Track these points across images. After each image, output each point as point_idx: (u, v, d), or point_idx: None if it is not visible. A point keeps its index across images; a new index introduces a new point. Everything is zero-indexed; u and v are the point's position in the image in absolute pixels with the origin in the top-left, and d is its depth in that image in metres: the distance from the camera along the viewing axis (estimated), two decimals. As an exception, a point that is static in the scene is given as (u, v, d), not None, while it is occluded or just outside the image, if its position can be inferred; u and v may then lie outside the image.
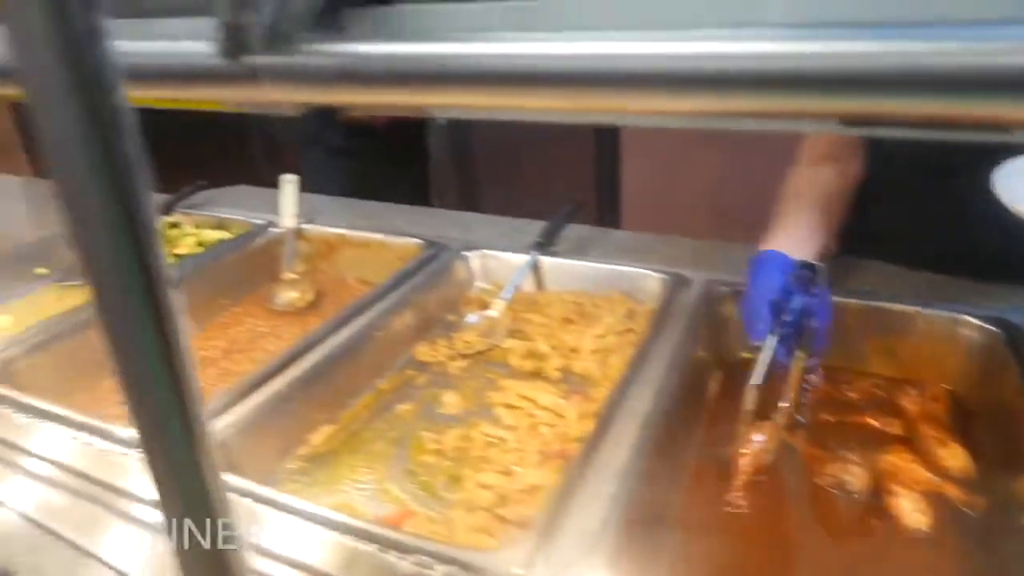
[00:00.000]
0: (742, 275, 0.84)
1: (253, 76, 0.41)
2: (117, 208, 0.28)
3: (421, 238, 1.15)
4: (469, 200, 2.32)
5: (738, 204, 1.78)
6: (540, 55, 0.33)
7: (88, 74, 0.26)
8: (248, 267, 1.20)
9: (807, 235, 0.86)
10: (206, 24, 0.41)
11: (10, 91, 0.48)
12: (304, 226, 1.22)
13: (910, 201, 0.98)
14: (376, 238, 1.18)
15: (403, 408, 0.83)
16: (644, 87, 0.30)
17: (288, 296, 1.11)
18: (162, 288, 0.30)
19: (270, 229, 1.23)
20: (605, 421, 0.69)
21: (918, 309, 0.85)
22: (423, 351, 0.93)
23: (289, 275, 1.14)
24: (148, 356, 0.31)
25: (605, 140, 2.13)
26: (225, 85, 0.42)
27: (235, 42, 0.41)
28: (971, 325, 0.81)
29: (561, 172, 2.14)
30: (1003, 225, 0.74)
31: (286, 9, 0.40)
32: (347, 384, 0.86)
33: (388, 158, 1.70)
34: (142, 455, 0.31)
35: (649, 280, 0.97)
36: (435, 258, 1.08)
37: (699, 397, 0.83)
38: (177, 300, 0.31)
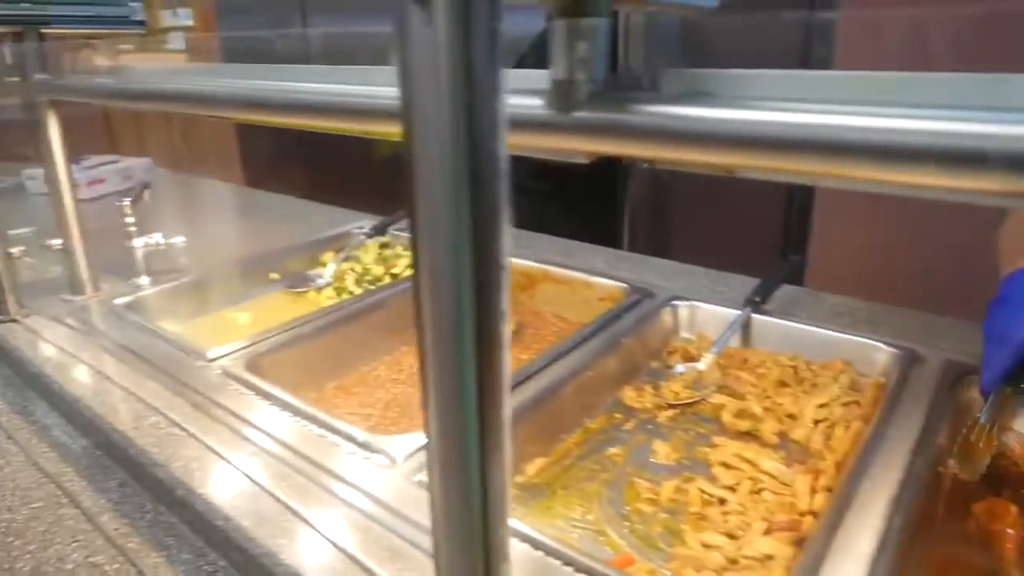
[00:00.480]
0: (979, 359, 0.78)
1: (580, 130, 0.45)
2: (477, 250, 0.31)
3: (623, 281, 1.16)
4: (661, 247, 2.33)
5: (948, 275, 1.65)
6: (840, 126, 0.34)
7: (481, 126, 0.30)
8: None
9: None
10: (537, 77, 0.46)
11: (380, 127, 0.55)
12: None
13: None
14: (578, 277, 1.21)
15: (613, 451, 0.84)
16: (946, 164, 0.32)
17: (493, 324, 1.17)
18: (501, 333, 0.34)
19: (476, 258, 1.30)
20: (842, 501, 0.66)
21: None
22: (630, 396, 0.94)
23: (494, 304, 1.19)
24: (469, 393, 0.34)
25: (796, 193, 2.06)
26: (554, 135, 0.46)
27: (566, 97, 0.45)
28: None
29: (749, 225, 2.08)
30: None
31: (609, 69, 0.44)
32: (559, 419, 0.88)
33: (582, 199, 1.75)
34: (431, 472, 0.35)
35: (876, 352, 0.92)
36: (639, 303, 1.09)
37: (938, 488, 0.77)
38: (506, 353, 0.35)
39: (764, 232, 2.14)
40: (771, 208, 2.14)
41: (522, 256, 1.31)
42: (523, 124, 0.46)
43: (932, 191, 0.33)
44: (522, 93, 0.45)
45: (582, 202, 2.02)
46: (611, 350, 0.98)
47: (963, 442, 0.76)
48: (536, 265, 1.28)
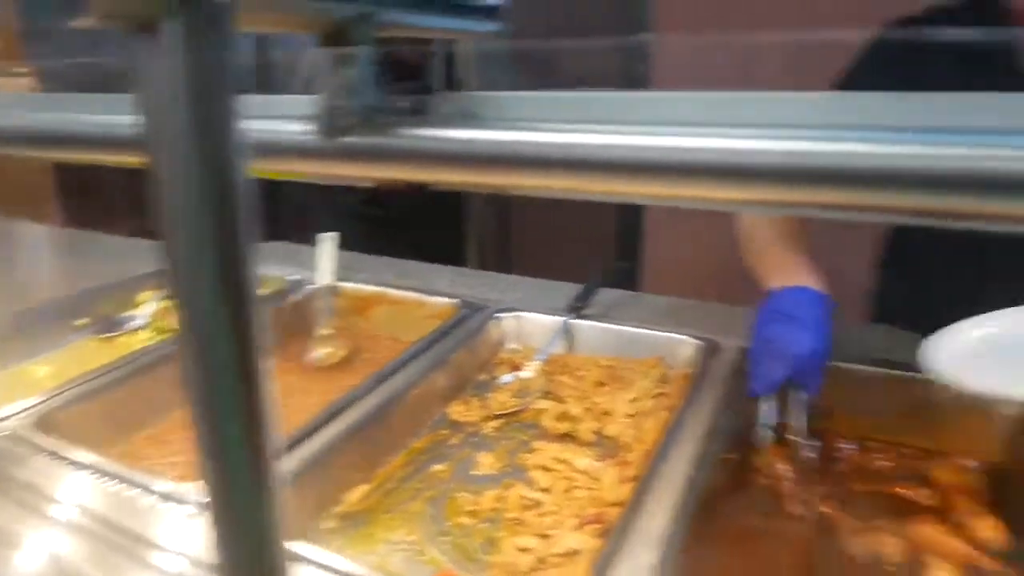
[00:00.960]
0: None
1: (347, 155, 0.45)
2: (223, 272, 0.31)
3: (457, 298, 1.18)
4: (506, 261, 2.38)
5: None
6: (595, 145, 0.36)
7: (218, 150, 0.29)
8: (282, 323, 1.23)
9: (814, 269, 0.90)
10: (303, 103, 0.45)
11: (123, 158, 0.52)
12: (339, 283, 1.26)
13: (919, 268, 1.01)
14: (411, 297, 1.21)
15: (437, 468, 0.85)
16: (697, 177, 0.33)
17: (322, 352, 1.14)
18: (254, 357, 0.33)
19: (305, 285, 1.27)
20: (644, 487, 0.70)
21: (949, 380, 0.86)
22: (457, 410, 0.95)
23: (323, 331, 1.17)
24: (232, 417, 0.33)
25: (628, 205, 2.19)
26: (321, 161, 0.46)
27: (331, 123, 0.45)
28: (1003, 397, 0.82)
29: (586, 234, 2.18)
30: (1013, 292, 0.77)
31: (378, 95, 0.44)
32: (382, 443, 0.87)
33: (432, 220, 1.76)
34: (207, 514, 0.33)
35: (683, 346, 0.99)
36: (469, 318, 1.11)
37: (734, 465, 0.84)
38: (265, 371, 0.34)
39: (602, 241, 2.26)
40: (606, 218, 2.26)
41: (359, 280, 1.29)
42: (291, 150, 0.45)
43: (680, 201, 0.35)
44: (292, 119, 0.44)
45: (432, 224, 2.03)
46: (438, 367, 0.99)
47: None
48: (371, 288, 1.26)
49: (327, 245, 1.27)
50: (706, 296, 1.19)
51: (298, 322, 1.22)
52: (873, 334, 1.03)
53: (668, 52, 2.16)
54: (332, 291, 1.22)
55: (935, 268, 1.02)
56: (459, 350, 1.03)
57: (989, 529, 0.71)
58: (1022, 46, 0.87)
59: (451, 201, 1.97)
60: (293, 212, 1.87)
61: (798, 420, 0.84)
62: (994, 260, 0.89)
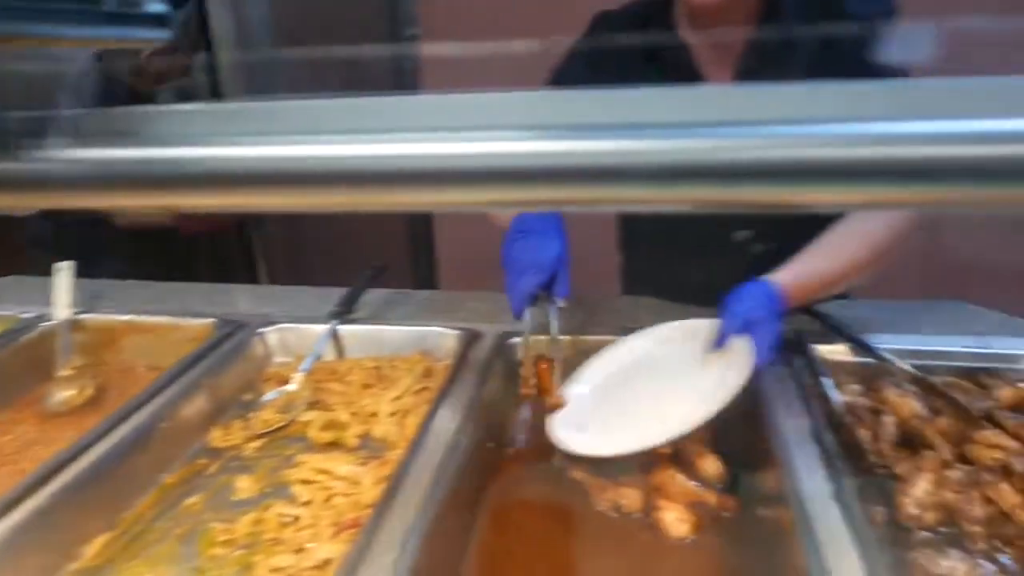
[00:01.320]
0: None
1: None
2: None
3: (216, 317, 1.11)
4: (292, 273, 2.28)
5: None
6: (246, 157, 0.34)
7: None
8: (16, 367, 1.09)
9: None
10: None
11: None
12: (82, 316, 1.13)
13: (666, 245, 1.12)
14: (164, 321, 1.12)
15: (191, 501, 0.79)
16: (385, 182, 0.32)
17: (63, 395, 1.02)
18: None
19: (41, 323, 1.13)
20: (396, 482, 0.70)
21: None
22: (217, 437, 0.90)
23: (64, 372, 1.05)
24: None
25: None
26: None
27: None
28: (718, 347, 0.93)
29: (374, 237, 2.16)
30: (732, 264, 0.88)
31: (17, 115, 0.39)
32: (127, 485, 0.80)
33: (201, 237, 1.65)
34: None
35: (445, 338, 1.01)
36: (230, 337, 1.05)
37: (497, 443, 0.87)
38: None
39: (390, 241, 2.25)
40: (397, 219, 2.25)
41: (104, 310, 1.17)
42: None
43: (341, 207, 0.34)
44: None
45: (208, 241, 1.90)
46: (192, 393, 0.92)
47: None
48: (119, 318, 1.15)
49: (63, 276, 1.14)
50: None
51: (35, 365, 1.09)
52: (621, 303, 1.12)
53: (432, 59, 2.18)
54: (71, 326, 1.10)
55: (656, 242, 1.14)
56: (219, 372, 0.98)
57: (710, 467, 0.80)
58: (692, 49, 0.97)
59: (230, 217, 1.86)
60: (34, 242, 1.66)
61: (554, 326, 0.92)
62: (700, 229, 1.01)
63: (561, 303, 0.92)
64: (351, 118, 0.31)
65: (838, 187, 0.27)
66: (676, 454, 0.85)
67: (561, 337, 0.93)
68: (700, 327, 0.90)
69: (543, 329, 0.93)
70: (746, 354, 0.81)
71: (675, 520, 0.73)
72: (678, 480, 0.79)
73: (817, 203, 0.30)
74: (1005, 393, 0.83)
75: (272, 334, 1.06)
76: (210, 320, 1.09)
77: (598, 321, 1.04)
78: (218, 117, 0.34)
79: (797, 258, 0.89)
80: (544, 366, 0.93)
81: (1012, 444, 0.75)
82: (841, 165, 0.26)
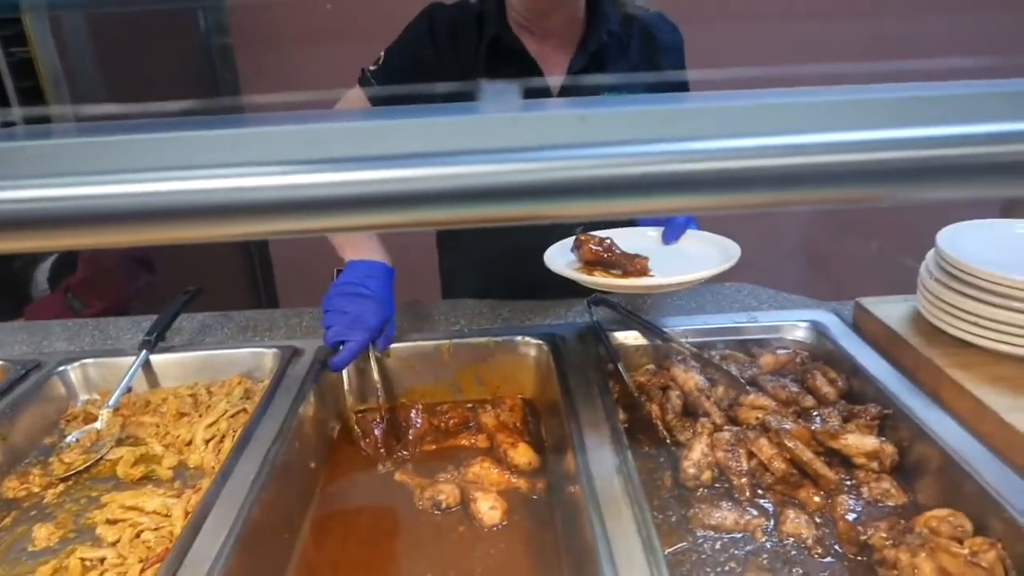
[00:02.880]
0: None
1: None
2: None
3: (7, 359, 1.03)
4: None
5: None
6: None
7: None
8: None
9: (381, 245, 1.03)
10: None
11: None
12: None
13: (480, 246, 1.18)
14: (-55, 369, 1.02)
15: (-19, 559, 0.74)
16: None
17: None
18: None
19: None
20: (204, 509, 0.70)
21: (493, 339, 1.01)
22: (11, 487, 0.84)
23: None
24: None
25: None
26: None
27: None
28: (529, 343, 1.00)
29: (207, 258, 2.06)
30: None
31: None
32: (-99, 551, 0.73)
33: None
34: None
35: (264, 357, 1.00)
36: (24, 379, 0.97)
37: (316, 458, 0.88)
38: None
39: (232, 266, 2.16)
40: (232, 242, 2.17)
41: None
42: None
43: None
44: None
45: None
46: (-19, 443, 0.86)
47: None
48: None
49: None
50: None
51: None
52: (441, 308, 1.17)
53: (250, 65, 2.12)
54: None
55: (466, 245, 1.21)
56: (12, 417, 0.91)
57: (522, 455, 0.86)
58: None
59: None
60: None
61: (375, 377, 0.96)
62: (504, 234, 1.08)
63: (381, 355, 0.97)
64: (158, 153, 0.31)
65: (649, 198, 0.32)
66: (490, 448, 0.90)
67: (380, 390, 0.96)
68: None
69: (365, 377, 0.97)
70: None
71: (488, 509, 0.78)
72: (492, 471, 0.84)
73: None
74: (766, 360, 0.96)
75: (73, 371, 1.00)
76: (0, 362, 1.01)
77: (417, 328, 1.08)
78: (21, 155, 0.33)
79: None
80: (372, 421, 0.94)
81: (770, 404, 0.87)
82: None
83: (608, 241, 0.94)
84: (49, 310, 1.51)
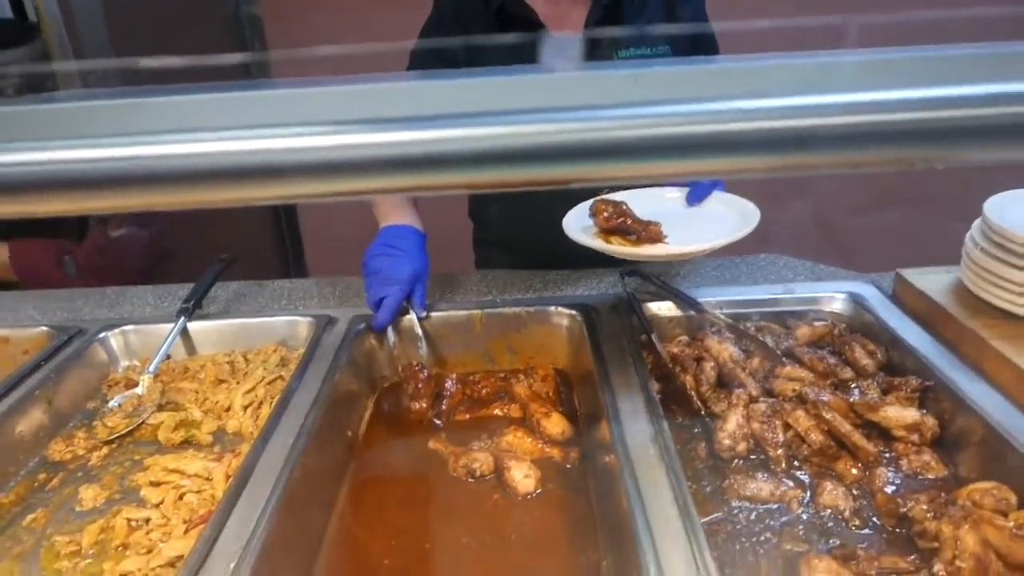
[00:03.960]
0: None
1: None
2: None
3: (51, 325, 1.05)
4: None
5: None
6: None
7: None
8: None
9: (413, 211, 1.06)
10: None
11: None
12: None
13: (512, 216, 1.17)
14: (-9, 335, 1.05)
15: (32, 518, 0.76)
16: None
17: None
18: None
19: None
20: (245, 473, 0.71)
21: (525, 309, 1.01)
22: (57, 449, 0.86)
23: None
24: None
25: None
26: None
27: None
28: (561, 314, 0.99)
29: (236, 226, 2.08)
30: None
31: None
32: (-44, 509, 0.76)
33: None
34: None
35: (299, 326, 1.01)
36: (67, 344, 1.00)
37: (351, 426, 0.89)
38: None
39: (258, 232, 2.18)
40: (262, 212, 2.19)
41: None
42: None
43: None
44: None
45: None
46: (28, 406, 0.88)
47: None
48: (-62, 335, 1.06)
49: None
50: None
51: None
52: (473, 278, 1.16)
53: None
54: None
55: (498, 216, 1.20)
56: (56, 382, 0.93)
57: (555, 425, 0.86)
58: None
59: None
60: None
61: (419, 336, 0.99)
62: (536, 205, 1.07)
63: (423, 314, 0.99)
64: (189, 115, 0.31)
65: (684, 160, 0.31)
66: (523, 418, 0.90)
67: (425, 348, 0.99)
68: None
69: (406, 338, 0.99)
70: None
71: (522, 478, 0.78)
72: (525, 440, 0.84)
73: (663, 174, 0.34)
74: (803, 331, 0.94)
75: (114, 338, 1.02)
76: (43, 329, 1.03)
77: (448, 298, 1.08)
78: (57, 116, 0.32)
79: None
80: (418, 373, 0.96)
81: (807, 375, 0.86)
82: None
83: (624, 206, 0.94)
84: (39, 260, 1.47)
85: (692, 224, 0.97)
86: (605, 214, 0.93)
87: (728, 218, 0.97)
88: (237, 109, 0.32)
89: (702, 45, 1.15)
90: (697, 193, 1.03)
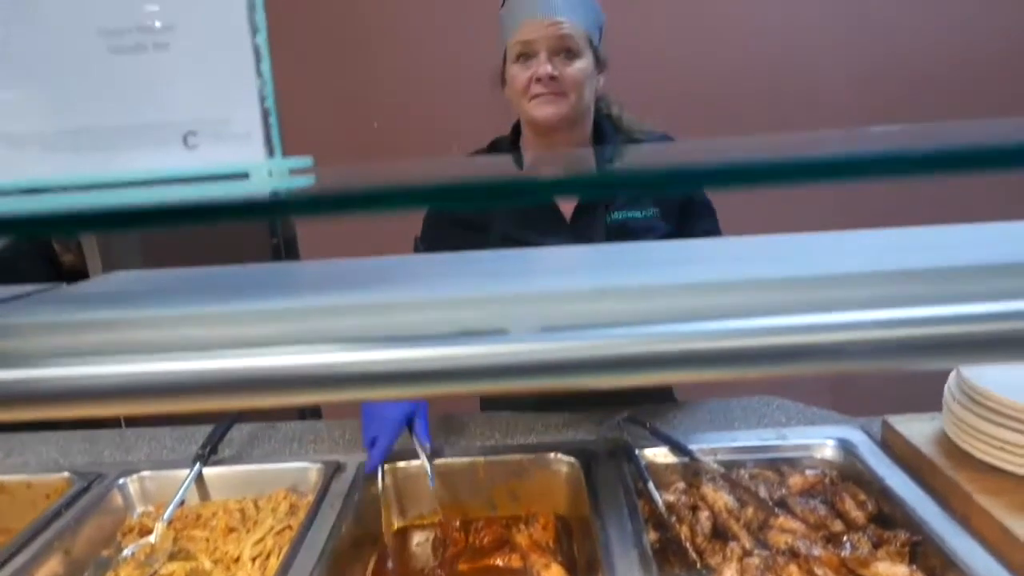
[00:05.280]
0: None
1: None
2: None
3: (72, 470, 1.09)
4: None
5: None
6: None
7: None
8: None
9: None
10: None
11: None
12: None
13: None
14: (16, 480, 1.09)
15: (41, 675, 0.78)
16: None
17: (-102, 572, 0.97)
18: None
19: None
20: (251, 632, 0.73)
21: (526, 456, 1.05)
22: (70, 601, 0.89)
23: (-100, 546, 0.99)
24: None
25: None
26: None
27: None
28: (561, 460, 1.03)
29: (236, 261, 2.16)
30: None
31: None
32: (-31, 666, 0.78)
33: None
34: None
35: (308, 472, 1.05)
36: (87, 490, 1.04)
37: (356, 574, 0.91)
38: None
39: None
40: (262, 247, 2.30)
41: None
42: None
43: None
44: None
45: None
46: (46, 555, 0.91)
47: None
48: (-38, 479, 1.11)
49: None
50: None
51: None
52: (478, 420, 1.21)
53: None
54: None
55: None
56: (75, 530, 0.96)
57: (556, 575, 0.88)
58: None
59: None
60: None
61: (428, 468, 1.01)
62: None
63: (428, 446, 1.03)
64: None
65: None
66: (524, 568, 0.92)
67: (433, 484, 1.01)
68: None
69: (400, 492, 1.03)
70: None
71: (521, 634, 0.80)
72: (525, 593, 0.86)
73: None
74: (795, 480, 0.97)
75: (132, 484, 1.06)
76: (65, 474, 1.08)
77: (452, 443, 1.12)
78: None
79: None
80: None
81: (799, 527, 0.88)
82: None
83: None
84: None
85: None
86: None
87: None
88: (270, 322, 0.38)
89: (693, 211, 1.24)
90: None
